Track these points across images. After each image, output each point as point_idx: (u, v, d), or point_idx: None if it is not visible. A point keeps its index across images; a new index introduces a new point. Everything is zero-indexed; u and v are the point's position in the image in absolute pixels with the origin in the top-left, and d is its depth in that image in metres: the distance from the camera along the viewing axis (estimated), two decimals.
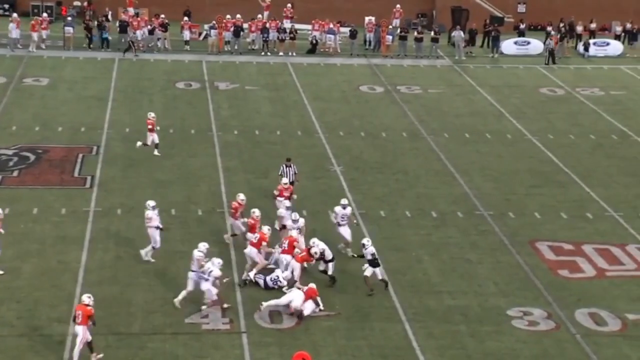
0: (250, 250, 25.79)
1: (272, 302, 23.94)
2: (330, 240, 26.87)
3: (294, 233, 26.25)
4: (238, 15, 52.60)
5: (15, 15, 51.36)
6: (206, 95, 44.12)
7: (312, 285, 24.25)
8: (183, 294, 23.99)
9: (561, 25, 57.34)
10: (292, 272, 25.17)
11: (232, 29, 51.97)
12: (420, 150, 37.76)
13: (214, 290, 23.82)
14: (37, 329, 22.89)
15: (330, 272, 25.58)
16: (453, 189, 33.62)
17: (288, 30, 52.87)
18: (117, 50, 50.93)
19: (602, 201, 33.02)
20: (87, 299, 21.56)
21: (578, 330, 24.14)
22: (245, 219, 27.32)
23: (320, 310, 24.08)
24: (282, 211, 27.95)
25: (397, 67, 51.16)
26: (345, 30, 54.46)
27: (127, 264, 26.50)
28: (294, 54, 52.42)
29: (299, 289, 24.26)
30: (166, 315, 23.69)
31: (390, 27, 54.47)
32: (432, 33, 53.58)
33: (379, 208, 31.24)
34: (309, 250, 25.31)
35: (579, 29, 57.91)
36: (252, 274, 25.30)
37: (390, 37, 53.34)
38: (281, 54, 52.36)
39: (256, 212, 26.86)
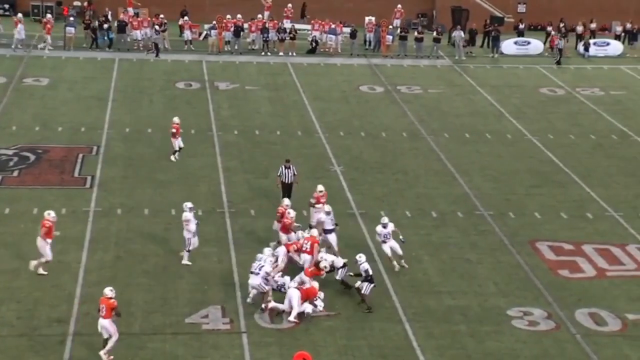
0: (281, 250, 25.95)
1: (277, 305, 23.97)
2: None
3: (315, 233, 26.28)
4: (238, 15, 52.60)
5: (20, 15, 51.35)
6: (206, 95, 44.12)
7: (314, 284, 24.26)
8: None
9: (561, 25, 57.31)
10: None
11: (232, 29, 51.99)
12: (420, 150, 37.76)
13: (266, 287, 23.97)
14: (37, 329, 22.89)
15: (337, 277, 25.42)
16: (453, 189, 33.63)
17: (288, 30, 52.88)
18: (118, 50, 50.93)
19: (602, 201, 33.03)
20: (109, 292, 21.78)
21: (578, 330, 24.14)
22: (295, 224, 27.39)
23: (317, 310, 24.02)
24: (322, 216, 27.32)
25: (397, 67, 51.16)
26: (347, 30, 54.41)
27: (127, 264, 26.50)
28: (294, 54, 52.42)
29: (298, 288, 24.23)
30: (166, 315, 23.70)
31: (391, 27, 54.46)
32: (434, 33, 53.57)
33: (379, 208, 31.22)
34: (317, 264, 25.11)
35: (579, 29, 57.92)
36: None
37: (391, 37, 53.33)
38: (281, 54, 52.36)
39: (291, 214, 27.02)
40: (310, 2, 59.56)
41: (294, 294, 23.83)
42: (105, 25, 51.71)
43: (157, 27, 51.39)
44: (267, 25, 52.61)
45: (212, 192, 32.17)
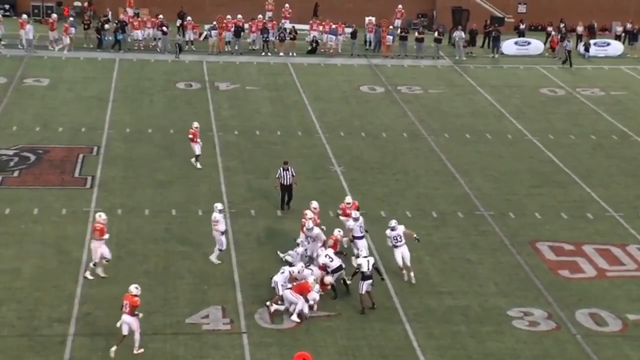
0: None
1: (278, 308, 24.00)
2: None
3: (336, 233, 26.25)
4: (239, 16, 52.60)
5: (25, 16, 51.36)
6: (206, 95, 44.12)
7: (310, 280, 24.24)
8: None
9: (561, 25, 57.32)
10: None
11: (232, 29, 51.99)
12: (420, 150, 37.76)
13: (281, 290, 24.09)
14: (38, 329, 22.90)
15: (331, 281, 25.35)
16: (453, 189, 33.63)
17: (288, 31, 52.88)
18: (118, 50, 50.93)
19: (602, 201, 33.03)
20: (134, 289, 22.08)
21: (578, 331, 24.14)
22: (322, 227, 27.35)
23: (314, 303, 24.07)
24: (350, 223, 27.09)
25: (397, 68, 51.16)
26: (348, 30, 54.40)
27: (128, 264, 26.51)
28: (295, 54, 52.43)
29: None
30: (166, 316, 23.70)
31: (391, 27, 54.44)
32: (436, 34, 53.57)
33: (379, 208, 31.24)
34: (322, 280, 24.91)
35: (579, 29, 57.92)
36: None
37: (391, 38, 53.34)
38: (281, 54, 52.36)
39: (313, 204, 27.47)
40: (310, 2, 59.45)
41: (286, 296, 23.87)
42: (107, 26, 51.66)
43: (165, 28, 51.49)
44: (267, 26, 52.60)
45: (212, 192, 32.16)
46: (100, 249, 25.41)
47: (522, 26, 58.36)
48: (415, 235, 26.40)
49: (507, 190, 33.82)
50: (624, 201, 33.19)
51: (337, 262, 25.04)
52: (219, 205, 27.07)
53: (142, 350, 22.04)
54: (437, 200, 32.47)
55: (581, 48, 56.27)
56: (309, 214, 26.80)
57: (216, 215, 26.64)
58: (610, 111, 44.51)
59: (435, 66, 51.94)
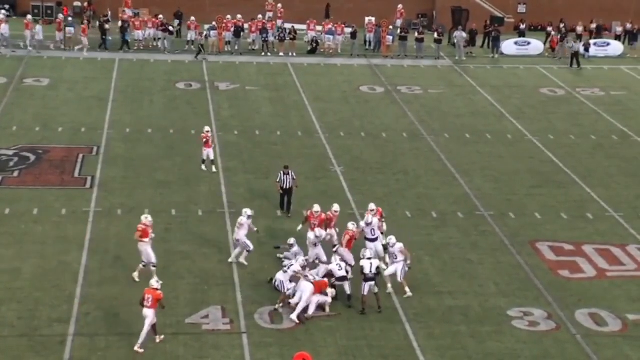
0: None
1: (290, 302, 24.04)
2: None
3: (350, 226, 26.40)
4: (239, 16, 52.60)
5: (30, 17, 51.35)
6: (206, 95, 44.11)
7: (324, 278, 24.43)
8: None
9: (561, 25, 57.32)
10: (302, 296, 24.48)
11: (232, 29, 51.98)
12: (420, 150, 37.76)
13: (289, 285, 24.19)
14: (38, 330, 22.90)
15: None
16: (453, 189, 33.62)
17: (288, 31, 52.88)
18: (118, 50, 50.96)
19: (602, 201, 33.03)
20: (155, 283, 22.34)
21: (578, 331, 24.14)
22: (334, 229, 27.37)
23: (327, 302, 24.15)
24: (362, 224, 27.12)
25: (397, 68, 51.15)
26: (348, 30, 54.39)
27: (128, 264, 26.46)
28: (294, 54, 52.42)
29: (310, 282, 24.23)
30: (166, 316, 23.64)
31: (391, 27, 54.41)
32: (436, 34, 53.56)
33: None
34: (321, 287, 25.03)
35: (579, 29, 57.91)
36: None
37: (391, 38, 53.32)
38: (281, 54, 52.36)
39: (334, 207, 27.62)
40: (310, 2, 59.48)
41: (306, 288, 23.83)
42: (107, 26, 51.60)
43: (171, 27, 51.49)
44: (266, 26, 52.60)
45: (212, 192, 32.16)
46: (148, 251, 25.34)
47: (522, 26, 58.37)
48: (408, 262, 25.55)
49: (507, 190, 33.82)
50: (624, 201, 33.19)
51: (343, 273, 24.86)
52: (248, 211, 26.90)
53: (142, 350, 22.03)
54: (437, 200, 32.47)
55: (581, 48, 56.24)
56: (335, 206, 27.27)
57: (241, 219, 26.49)
58: (610, 111, 44.51)
59: (435, 66, 51.94)
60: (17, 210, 29.88)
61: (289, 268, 24.68)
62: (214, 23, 52.55)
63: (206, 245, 27.52)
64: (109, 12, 54.63)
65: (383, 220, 27.71)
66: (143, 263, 25.33)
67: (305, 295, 23.74)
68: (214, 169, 33.66)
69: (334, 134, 39.16)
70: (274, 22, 53.72)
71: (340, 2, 60.39)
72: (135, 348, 22.01)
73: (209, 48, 51.68)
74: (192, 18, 52.53)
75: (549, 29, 57.43)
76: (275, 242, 27.71)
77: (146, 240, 25.27)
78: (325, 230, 27.02)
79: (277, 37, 52.84)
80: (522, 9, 63.23)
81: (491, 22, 57.49)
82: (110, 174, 33.43)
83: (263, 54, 52.24)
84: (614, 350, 23.29)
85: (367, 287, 24.29)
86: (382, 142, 38.45)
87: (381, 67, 51.06)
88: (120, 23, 52.12)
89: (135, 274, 25.33)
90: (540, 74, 51.30)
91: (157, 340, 22.31)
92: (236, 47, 52.12)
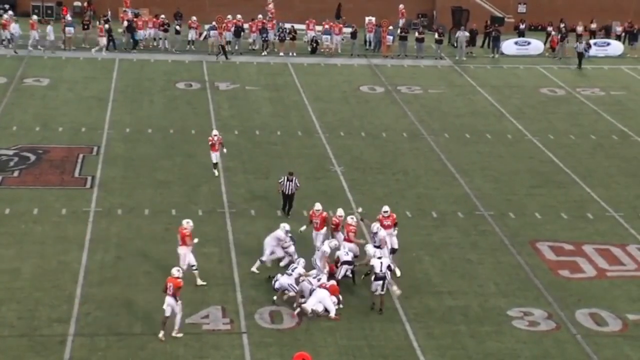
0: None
1: (305, 307, 24.02)
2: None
3: (350, 220, 26.60)
4: (238, 16, 52.57)
5: (35, 17, 51.27)
6: (206, 95, 44.11)
7: (333, 282, 24.50)
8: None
9: (561, 25, 57.32)
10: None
11: (232, 29, 51.98)
12: (420, 150, 37.76)
13: (295, 286, 24.30)
14: (38, 329, 22.90)
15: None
16: (453, 189, 33.63)
17: (288, 31, 52.87)
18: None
19: (602, 201, 33.03)
20: (176, 272, 22.67)
21: (578, 331, 24.14)
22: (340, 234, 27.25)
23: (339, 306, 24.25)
24: (378, 229, 26.92)
25: (397, 68, 51.16)
26: (347, 30, 54.38)
27: (128, 264, 26.50)
28: (294, 54, 52.42)
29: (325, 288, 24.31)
30: None
31: (391, 27, 54.39)
32: (436, 35, 53.55)
33: (379, 208, 31.12)
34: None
35: (579, 29, 57.90)
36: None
37: (391, 38, 53.30)
38: (281, 54, 52.35)
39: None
40: (310, 2, 59.47)
41: (325, 295, 23.95)
42: (107, 26, 51.57)
43: (177, 27, 51.49)
44: (266, 26, 52.59)
45: (212, 192, 32.17)
46: (188, 256, 25.35)
47: (522, 26, 58.35)
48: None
49: (507, 190, 33.82)
50: (624, 201, 33.19)
51: (349, 258, 25.35)
52: (286, 226, 26.45)
53: (181, 334, 22.49)
54: (437, 200, 32.47)
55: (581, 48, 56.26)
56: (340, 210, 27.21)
57: (280, 233, 26.17)
58: (610, 111, 44.51)
59: (435, 66, 51.94)
60: (17, 210, 29.88)
61: (293, 271, 24.72)
62: (214, 23, 52.54)
63: (206, 245, 27.48)
64: (109, 12, 54.57)
65: (395, 228, 27.40)
66: (184, 267, 24.90)
67: (327, 302, 23.89)
68: (215, 173, 33.60)
69: (334, 134, 39.16)
70: (274, 22, 53.68)
71: (341, 1, 60.37)
72: (173, 334, 22.45)
73: (208, 48, 51.69)
74: (193, 18, 52.53)
75: (549, 28, 57.42)
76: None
77: (191, 244, 25.38)
78: (331, 235, 26.99)
79: (277, 37, 52.82)
80: (522, 9, 63.24)
81: (491, 22, 57.49)
82: (110, 174, 33.43)
83: (263, 54, 52.17)
84: (614, 350, 23.29)
85: (375, 285, 24.31)
86: (382, 142, 38.46)
87: (381, 67, 51.06)
88: (125, 23, 52.12)
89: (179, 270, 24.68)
90: (540, 74, 51.30)
91: (161, 334, 22.44)
92: (236, 47, 52.09)
